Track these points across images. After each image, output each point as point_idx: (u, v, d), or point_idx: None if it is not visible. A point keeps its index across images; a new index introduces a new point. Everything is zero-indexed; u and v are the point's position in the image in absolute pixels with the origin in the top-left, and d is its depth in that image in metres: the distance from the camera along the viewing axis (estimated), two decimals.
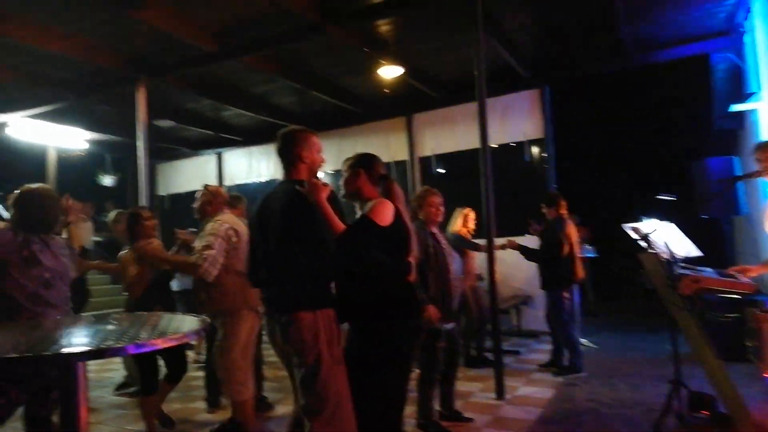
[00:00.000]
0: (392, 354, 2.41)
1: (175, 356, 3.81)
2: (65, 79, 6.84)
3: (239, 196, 5.04)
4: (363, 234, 2.33)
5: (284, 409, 4.37)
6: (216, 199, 3.73)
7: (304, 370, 2.32)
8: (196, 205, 3.76)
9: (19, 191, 2.77)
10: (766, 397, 3.93)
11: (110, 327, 1.68)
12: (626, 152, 10.78)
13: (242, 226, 3.69)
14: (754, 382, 4.02)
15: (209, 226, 3.54)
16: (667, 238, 3.75)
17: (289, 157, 2.57)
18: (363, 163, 2.63)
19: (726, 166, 5.36)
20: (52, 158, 9.21)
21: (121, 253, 3.81)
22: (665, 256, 3.43)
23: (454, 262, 3.94)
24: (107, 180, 10.27)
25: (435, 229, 3.93)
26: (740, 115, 6.98)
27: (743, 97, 6.56)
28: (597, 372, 5.29)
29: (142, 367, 3.73)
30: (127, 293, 3.78)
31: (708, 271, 3.47)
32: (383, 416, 2.41)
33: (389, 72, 6.81)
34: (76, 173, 10.39)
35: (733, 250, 8.14)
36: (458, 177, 8.50)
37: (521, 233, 6.59)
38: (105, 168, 10.34)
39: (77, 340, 1.48)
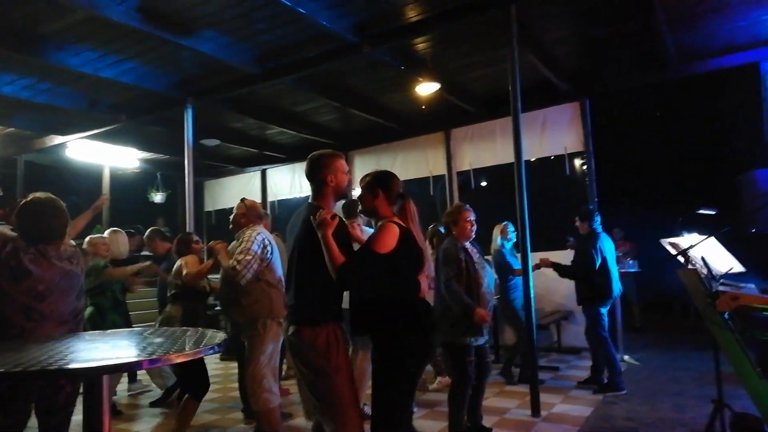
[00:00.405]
0: (398, 369, 2.48)
1: (196, 373, 3.96)
2: (118, 103, 7.23)
3: (265, 212, 5.29)
4: (361, 266, 2.44)
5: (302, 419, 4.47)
6: (251, 212, 3.93)
7: (305, 379, 2.56)
8: (231, 216, 3.98)
9: (22, 201, 2.71)
10: None
11: (145, 341, 1.77)
12: (671, 165, 10.45)
13: (273, 239, 3.90)
14: None
15: (247, 234, 3.73)
16: (706, 253, 3.65)
17: (316, 180, 2.70)
18: (381, 183, 2.69)
19: None
20: (107, 177, 9.68)
21: (183, 258, 4.08)
22: (703, 272, 3.35)
23: (486, 276, 3.96)
24: (158, 197, 10.70)
25: (467, 245, 3.97)
26: None
27: None
28: (638, 390, 5.15)
29: (184, 373, 3.95)
30: (182, 280, 3.99)
31: (749, 288, 3.36)
32: (388, 425, 2.48)
33: (426, 88, 6.89)
34: (129, 191, 10.89)
35: None
36: (499, 191, 8.46)
37: (562, 248, 6.51)
38: (156, 185, 10.79)
39: (100, 354, 1.57)
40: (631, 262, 7.29)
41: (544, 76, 6.70)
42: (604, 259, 5.29)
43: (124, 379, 5.94)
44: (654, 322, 9.31)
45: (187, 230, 6.77)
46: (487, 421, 4.27)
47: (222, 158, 10.62)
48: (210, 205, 11.56)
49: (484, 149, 8.21)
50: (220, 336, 1.63)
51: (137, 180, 11.15)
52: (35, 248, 2.57)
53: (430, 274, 2.79)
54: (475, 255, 3.98)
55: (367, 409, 4.09)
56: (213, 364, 7.58)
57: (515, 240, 5.82)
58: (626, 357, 6.46)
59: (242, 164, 10.85)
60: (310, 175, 2.73)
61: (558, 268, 5.56)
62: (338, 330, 2.54)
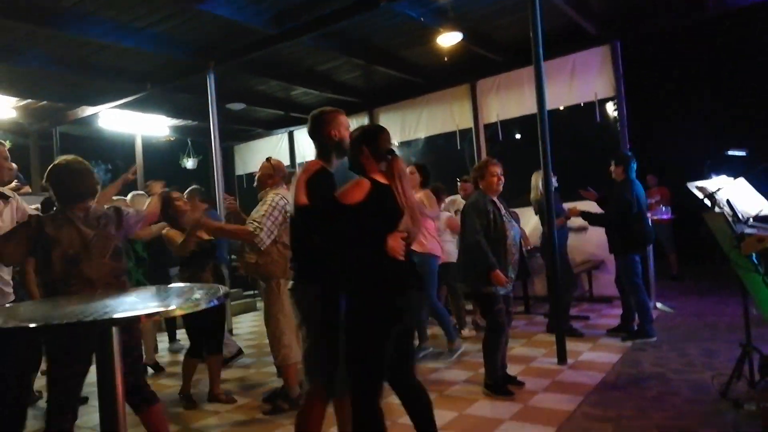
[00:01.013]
0: (356, 328, 2.43)
1: (209, 329, 4.15)
2: (142, 71, 7.32)
3: (294, 173, 5.28)
4: (320, 210, 2.42)
5: None
6: (276, 173, 3.90)
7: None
8: (257, 175, 3.96)
9: (49, 167, 2.76)
10: None
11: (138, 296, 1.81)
12: (709, 107, 9.99)
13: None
14: None
15: (269, 198, 3.72)
16: (734, 195, 3.55)
17: (319, 137, 2.70)
18: (366, 140, 2.58)
19: None
20: (139, 145, 9.91)
21: (164, 231, 4.23)
22: (728, 214, 3.26)
23: (513, 228, 3.96)
24: (189, 163, 10.92)
25: (495, 198, 3.98)
26: None
27: None
28: (669, 337, 5.12)
29: (189, 332, 4.19)
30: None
31: None
32: (357, 382, 2.45)
33: (448, 39, 6.72)
34: (161, 158, 11.13)
35: None
36: (528, 142, 8.30)
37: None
38: (187, 152, 11.00)
39: (106, 309, 1.61)
40: (664, 209, 7.11)
41: (573, 19, 6.46)
42: (640, 206, 5.21)
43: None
44: (692, 269, 9.12)
45: (218, 194, 6.93)
46: (513, 370, 4.34)
47: (249, 122, 10.71)
48: (241, 169, 11.75)
49: (511, 100, 8.04)
50: (224, 290, 1.69)
51: (169, 147, 11.37)
52: (61, 214, 2.65)
53: (415, 232, 2.59)
54: (503, 209, 3.99)
55: None
56: (251, 321, 7.86)
57: (556, 185, 5.76)
58: (659, 305, 6.40)
59: (269, 127, 10.93)
60: (313, 133, 2.71)
61: (589, 216, 5.49)
62: (323, 288, 2.54)
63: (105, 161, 9.73)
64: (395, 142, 9.43)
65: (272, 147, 11.00)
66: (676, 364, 4.30)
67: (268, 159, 4.04)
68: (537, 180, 5.84)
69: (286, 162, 10.71)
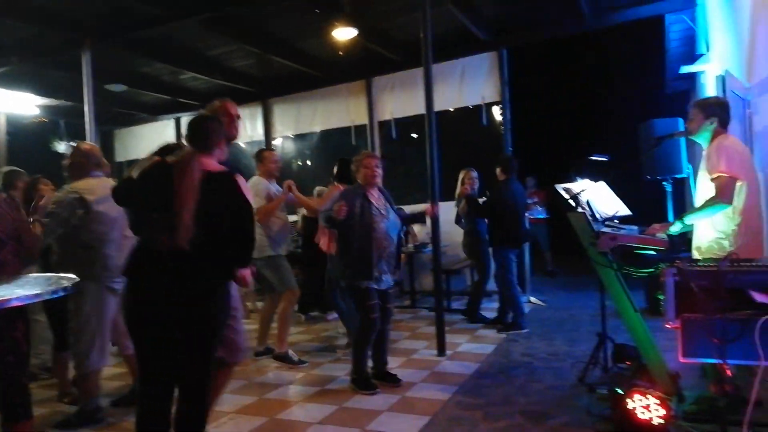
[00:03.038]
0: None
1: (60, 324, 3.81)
2: (8, 44, 6.62)
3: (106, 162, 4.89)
4: None
5: None
6: (89, 160, 3.52)
7: None
8: (65, 163, 3.57)
9: None
10: (674, 346, 4.10)
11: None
12: (583, 116, 10.87)
13: (96, 194, 3.39)
14: (664, 333, 4.17)
15: (54, 195, 3.47)
16: (595, 197, 3.86)
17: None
18: None
19: (671, 127, 5.45)
20: (2, 123, 8.94)
21: None
22: (588, 214, 3.54)
23: (383, 221, 3.97)
24: (62, 146, 10.03)
25: (371, 191, 4.00)
26: (692, 76, 7.09)
27: (694, 58, 6.66)
28: (539, 328, 5.49)
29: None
30: None
31: (629, 229, 3.59)
32: None
33: (343, 34, 6.71)
34: (31, 140, 10.13)
35: (684, 210, 8.33)
36: (422, 141, 8.50)
37: (479, 196, 6.67)
38: (59, 134, 10.11)
39: None
40: (539, 209, 7.64)
41: (465, 25, 6.70)
42: (516, 204, 5.55)
43: None
44: (568, 266, 9.80)
45: None
46: (394, 362, 4.43)
47: (133, 106, 10.02)
48: (122, 155, 10.97)
49: (405, 98, 8.17)
50: (70, 280, 1.55)
51: (39, 128, 10.37)
52: None
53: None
54: (377, 202, 4.00)
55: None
56: None
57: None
58: (532, 298, 6.83)
59: (155, 112, 10.31)
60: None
61: (474, 203, 5.79)
62: None
63: None
64: (289, 134, 9.31)
65: (157, 133, 10.40)
66: (543, 354, 4.62)
67: (79, 144, 3.66)
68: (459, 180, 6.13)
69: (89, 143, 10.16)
